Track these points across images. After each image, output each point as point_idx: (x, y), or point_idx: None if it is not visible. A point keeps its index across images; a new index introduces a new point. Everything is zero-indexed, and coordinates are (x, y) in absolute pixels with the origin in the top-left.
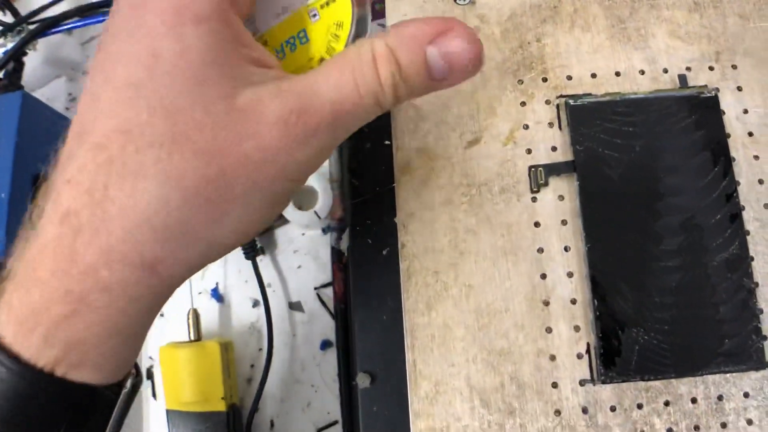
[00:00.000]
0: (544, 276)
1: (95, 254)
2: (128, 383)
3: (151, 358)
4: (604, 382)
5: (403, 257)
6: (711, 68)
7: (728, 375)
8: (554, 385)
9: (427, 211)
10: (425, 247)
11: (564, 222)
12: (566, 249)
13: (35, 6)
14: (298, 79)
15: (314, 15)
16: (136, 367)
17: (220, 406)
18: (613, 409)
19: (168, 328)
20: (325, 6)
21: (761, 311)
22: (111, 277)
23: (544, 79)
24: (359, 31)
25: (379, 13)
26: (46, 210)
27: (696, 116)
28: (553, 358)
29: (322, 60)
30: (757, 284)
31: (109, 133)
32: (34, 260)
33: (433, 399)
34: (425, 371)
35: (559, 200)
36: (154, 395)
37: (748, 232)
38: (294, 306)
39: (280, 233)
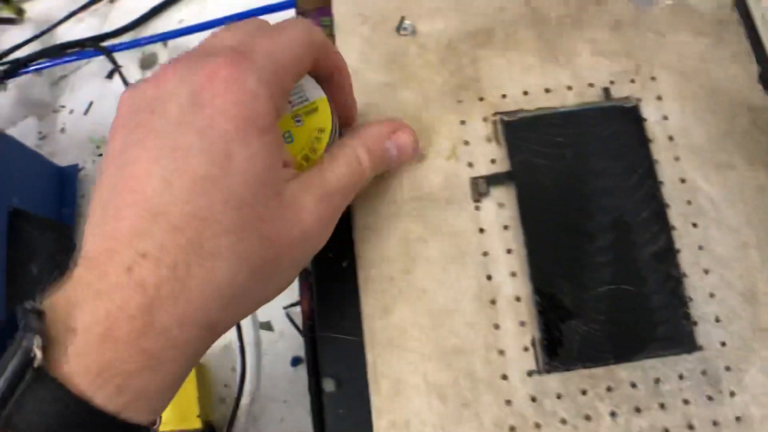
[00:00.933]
0: (489, 277)
1: (171, 319)
2: (158, 420)
3: None
4: (548, 372)
5: (360, 267)
6: (632, 81)
7: (663, 359)
8: (504, 377)
9: (381, 223)
10: (381, 257)
11: (506, 227)
12: (509, 251)
13: (4, 46)
14: (314, 175)
15: (298, 120)
16: None
17: (196, 424)
18: (559, 396)
19: None
20: (308, 113)
21: (690, 299)
22: (180, 336)
23: (481, 99)
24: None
25: None
26: (113, 275)
27: (620, 124)
28: (501, 352)
29: (305, 157)
30: (684, 274)
31: (186, 218)
32: (108, 322)
33: (393, 396)
34: (385, 371)
35: (500, 207)
36: None
37: (673, 228)
38: (264, 326)
39: None
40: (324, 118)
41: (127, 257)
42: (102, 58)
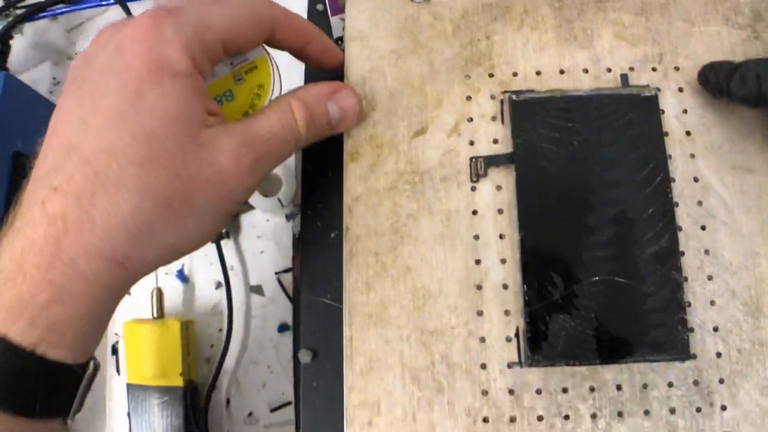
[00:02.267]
0: (478, 261)
1: (77, 250)
2: (92, 365)
3: (116, 334)
4: (530, 366)
5: (347, 239)
6: (654, 69)
7: (653, 364)
8: (483, 366)
9: (372, 196)
10: (368, 230)
11: (500, 211)
12: (501, 237)
13: None
14: (240, 123)
15: (239, 79)
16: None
17: (179, 382)
18: (539, 392)
19: (134, 306)
20: (249, 71)
21: (689, 304)
22: (88, 269)
23: (491, 75)
24: (276, 89)
25: (340, 9)
26: (30, 212)
27: (635, 114)
28: (483, 340)
29: (245, 113)
30: (686, 278)
31: (96, 151)
32: (21, 257)
33: (366, 374)
34: (361, 348)
35: (497, 190)
36: (117, 370)
37: (680, 228)
38: (255, 289)
39: (245, 219)
40: (263, 74)
41: (42, 193)
42: (118, 7)
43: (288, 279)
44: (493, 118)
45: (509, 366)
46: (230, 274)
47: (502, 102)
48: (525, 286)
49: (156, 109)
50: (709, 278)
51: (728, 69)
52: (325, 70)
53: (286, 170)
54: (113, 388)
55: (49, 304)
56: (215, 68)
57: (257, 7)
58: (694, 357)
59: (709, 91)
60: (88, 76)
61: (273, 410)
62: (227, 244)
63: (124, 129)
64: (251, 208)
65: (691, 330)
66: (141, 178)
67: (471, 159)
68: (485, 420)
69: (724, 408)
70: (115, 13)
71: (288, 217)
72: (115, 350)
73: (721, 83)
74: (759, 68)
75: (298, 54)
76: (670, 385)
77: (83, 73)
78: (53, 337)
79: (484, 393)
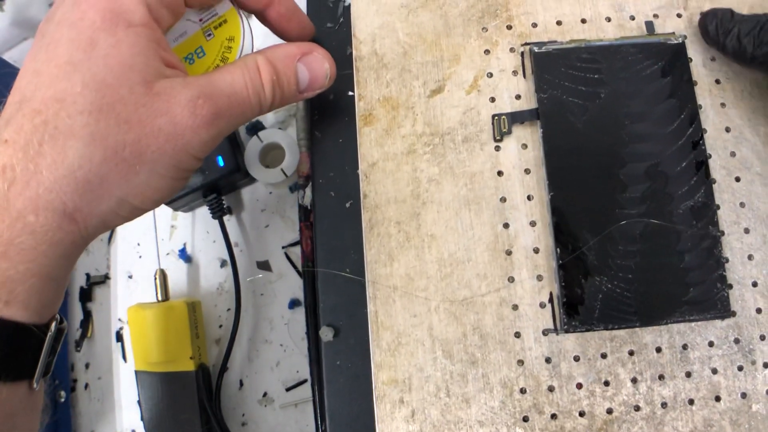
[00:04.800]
0: (506, 225)
1: (25, 202)
2: (53, 327)
3: (120, 320)
4: (567, 332)
5: (365, 208)
6: (679, 15)
7: (693, 324)
8: (517, 334)
9: (390, 161)
10: (387, 198)
11: (527, 171)
12: (529, 198)
13: None
14: (201, 76)
15: (209, 34)
16: (61, 316)
17: (189, 366)
18: (576, 358)
19: (137, 290)
20: (218, 26)
21: (726, 260)
22: (36, 222)
23: (509, 27)
24: (247, 42)
25: None
26: None
27: (662, 63)
28: (515, 307)
29: (217, 68)
30: (722, 233)
31: (46, 100)
32: None
33: (395, 350)
34: (387, 322)
35: (523, 149)
36: (124, 358)
37: (714, 181)
38: (262, 265)
39: (247, 192)
40: (233, 27)
41: None
42: None
43: (296, 253)
44: (514, 73)
45: (545, 333)
46: (235, 251)
47: (522, 55)
48: (557, 249)
49: (109, 57)
50: (746, 231)
51: (727, 23)
52: (289, 38)
53: (289, 139)
54: (121, 376)
55: None
56: (185, 27)
57: None
58: (734, 314)
59: (706, 41)
60: (46, 31)
61: (288, 389)
62: (230, 220)
63: (75, 77)
64: (253, 180)
65: (730, 286)
66: (90, 126)
67: (493, 116)
68: (522, 391)
69: (766, 365)
70: None
71: (292, 189)
72: (119, 337)
73: (718, 37)
74: (755, 28)
75: (261, 16)
76: (711, 344)
77: (43, 28)
78: (3, 294)
79: (520, 363)
